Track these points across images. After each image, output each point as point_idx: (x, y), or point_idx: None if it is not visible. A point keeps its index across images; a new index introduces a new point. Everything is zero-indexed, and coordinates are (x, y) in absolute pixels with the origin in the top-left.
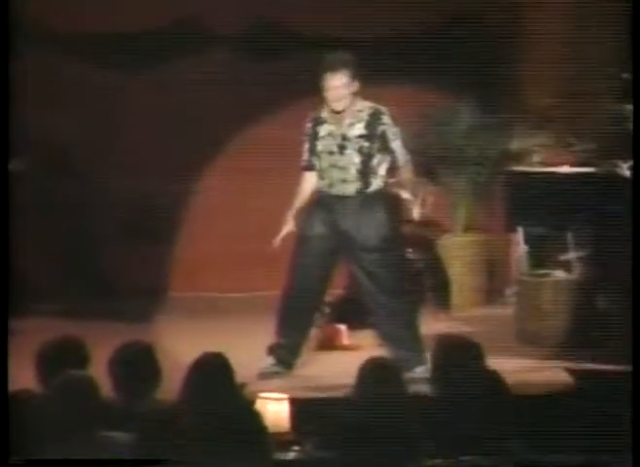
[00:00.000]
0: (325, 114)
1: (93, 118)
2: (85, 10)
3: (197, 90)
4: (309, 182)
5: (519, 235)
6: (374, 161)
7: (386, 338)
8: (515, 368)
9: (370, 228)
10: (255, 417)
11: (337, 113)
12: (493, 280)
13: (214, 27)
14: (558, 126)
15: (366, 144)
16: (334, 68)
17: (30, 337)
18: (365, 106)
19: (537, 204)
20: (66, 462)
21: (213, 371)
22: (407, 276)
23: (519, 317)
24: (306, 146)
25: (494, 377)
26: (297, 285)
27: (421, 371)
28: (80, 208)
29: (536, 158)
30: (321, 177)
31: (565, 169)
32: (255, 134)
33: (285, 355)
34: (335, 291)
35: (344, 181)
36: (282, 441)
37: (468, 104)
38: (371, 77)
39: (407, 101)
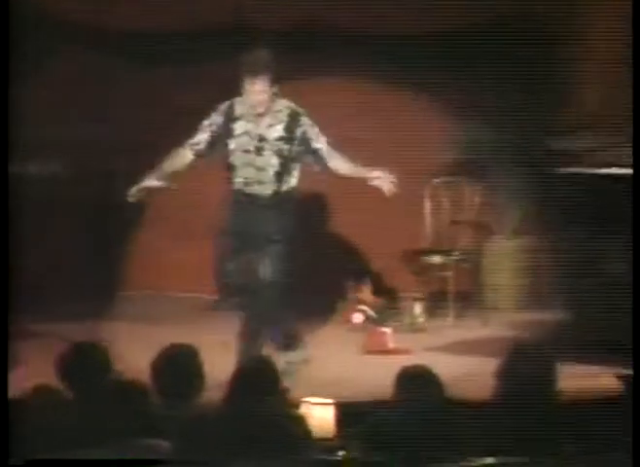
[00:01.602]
0: (240, 111)
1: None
2: (133, 8)
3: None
4: (186, 159)
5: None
6: (291, 162)
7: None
8: (567, 373)
9: (278, 225)
10: (300, 422)
11: (258, 116)
12: (541, 284)
13: (256, 24)
14: (608, 128)
15: (285, 146)
16: (253, 72)
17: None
18: (283, 106)
19: (585, 207)
20: (66, 462)
21: (257, 376)
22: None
23: (568, 322)
24: (203, 136)
25: (546, 381)
26: (222, 284)
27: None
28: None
29: (587, 159)
30: (234, 175)
31: (615, 171)
32: None
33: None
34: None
35: (261, 182)
36: (327, 445)
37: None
38: (411, 73)
39: (456, 99)
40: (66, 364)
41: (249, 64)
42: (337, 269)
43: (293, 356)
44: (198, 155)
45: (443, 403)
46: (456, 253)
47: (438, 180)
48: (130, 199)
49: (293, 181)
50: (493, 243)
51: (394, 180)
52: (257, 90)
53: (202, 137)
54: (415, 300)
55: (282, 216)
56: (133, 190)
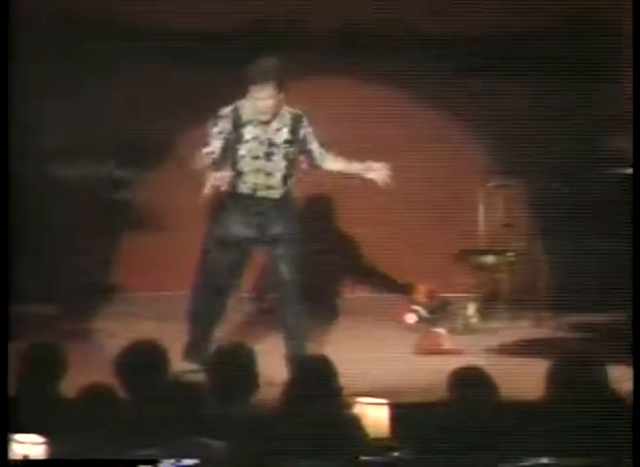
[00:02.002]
0: (248, 116)
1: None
2: (170, 9)
3: None
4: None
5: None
6: (295, 164)
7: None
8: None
9: (287, 226)
10: (354, 422)
11: (264, 123)
12: (594, 285)
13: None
14: None
15: (291, 149)
16: (260, 80)
17: None
18: (284, 110)
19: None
20: (66, 462)
21: (315, 375)
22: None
23: (622, 323)
24: (217, 144)
25: (598, 383)
26: (206, 284)
27: None
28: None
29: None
30: (242, 180)
31: None
32: None
33: (194, 353)
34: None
35: (269, 187)
36: (382, 446)
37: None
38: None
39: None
40: (124, 362)
41: (256, 71)
42: (391, 269)
43: None
44: (215, 163)
45: (496, 404)
46: (510, 254)
47: (492, 182)
48: (203, 199)
49: (294, 182)
50: (546, 244)
51: (389, 172)
52: (264, 97)
53: (216, 145)
54: (469, 300)
55: (296, 216)
56: (205, 190)
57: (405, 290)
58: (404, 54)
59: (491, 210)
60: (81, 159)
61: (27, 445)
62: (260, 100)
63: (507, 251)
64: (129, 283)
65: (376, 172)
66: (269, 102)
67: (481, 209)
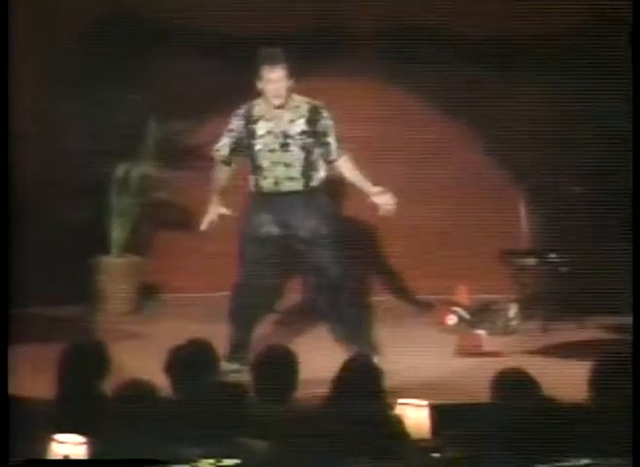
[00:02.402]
0: (259, 111)
1: None
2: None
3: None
4: (224, 172)
5: None
6: (314, 156)
7: (335, 332)
8: None
9: (316, 222)
10: (396, 423)
11: (277, 108)
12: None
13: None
14: None
15: (308, 140)
16: (272, 61)
17: None
18: (301, 101)
19: None
20: (66, 462)
21: (361, 375)
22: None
23: None
24: (227, 141)
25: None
26: (246, 285)
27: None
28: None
29: None
30: (263, 176)
31: None
32: None
33: (237, 354)
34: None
35: (290, 178)
36: (423, 447)
37: None
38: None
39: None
40: (176, 359)
41: (266, 54)
42: (429, 270)
43: None
44: (223, 160)
45: (540, 406)
46: (552, 255)
47: (534, 181)
48: (203, 228)
49: (321, 174)
50: (585, 246)
51: (393, 204)
52: (275, 79)
53: (224, 142)
54: (510, 302)
55: (320, 210)
56: (205, 223)
57: (445, 291)
58: (426, 56)
59: (533, 212)
60: (114, 159)
61: (68, 445)
62: (272, 83)
63: (549, 252)
64: (168, 284)
65: (383, 200)
66: (281, 84)
67: (523, 210)
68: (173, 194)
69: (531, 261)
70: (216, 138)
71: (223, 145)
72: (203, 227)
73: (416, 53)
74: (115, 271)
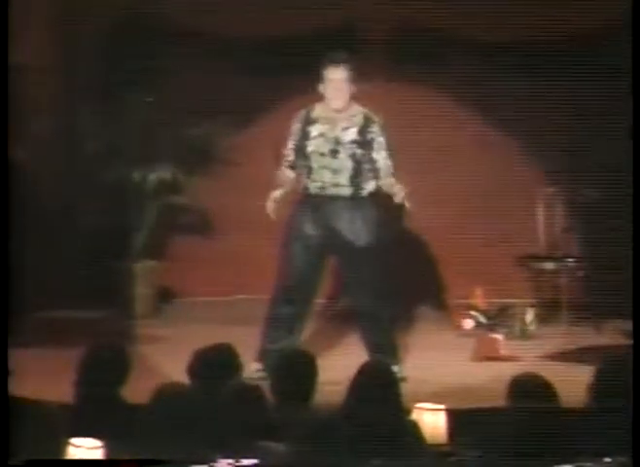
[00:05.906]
0: (317, 113)
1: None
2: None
3: None
4: (289, 178)
5: None
6: (365, 166)
7: (364, 339)
8: None
9: (362, 229)
10: (413, 428)
11: (335, 111)
12: None
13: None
14: None
15: (358, 151)
16: (336, 62)
17: None
18: (358, 111)
19: None
20: (66, 462)
21: (378, 380)
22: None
23: None
24: (291, 145)
25: None
26: (288, 287)
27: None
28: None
29: None
30: (311, 179)
31: None
32: None
33: (267, 358)
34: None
35: (337, 185)
36: (439, 452)
37: None
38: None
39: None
40: (200, 363)
41: (331, 55)
42: (447, 274)
43: None
44: (291, 166)
45: (557, 410)
46: (570, 260)
47: (552, 188)
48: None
49: (372, 185)
50: (602, 251)
51: (405, 194)
52: (337, 80)
53: (289, 146)
54: (527, 306)
55: (366, 219)
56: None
57: (462, 295)
58: (460, 61)
59: (551, 216)
60: (132, 163)
61: (84, 449)
62: (334, 82)
63: (567, 257)
64: (186, 288)
65: (397, 191)
66: (344, 85)
67: (541, 215)
68: (191, 198)
69: (549, 265)
70: (234, 142)
71: (289, 151)
72: (270, 207)
73: (442, 57)
74: (134, 275)
